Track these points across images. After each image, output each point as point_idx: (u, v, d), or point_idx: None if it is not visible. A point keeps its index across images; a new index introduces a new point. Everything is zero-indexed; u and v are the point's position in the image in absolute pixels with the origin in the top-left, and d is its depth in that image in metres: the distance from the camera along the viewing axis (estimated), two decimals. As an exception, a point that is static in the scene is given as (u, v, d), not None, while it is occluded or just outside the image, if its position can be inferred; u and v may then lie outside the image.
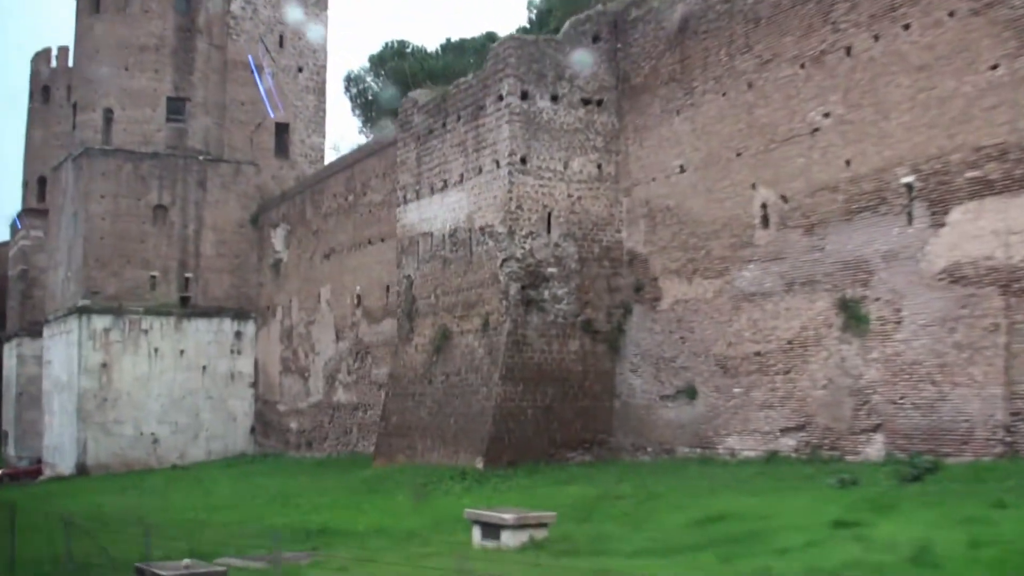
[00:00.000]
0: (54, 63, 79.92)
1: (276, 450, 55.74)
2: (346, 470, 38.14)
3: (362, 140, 76.62)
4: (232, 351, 59.80)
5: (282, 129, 62.49)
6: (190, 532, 22.37)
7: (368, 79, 68.69)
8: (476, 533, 18.81)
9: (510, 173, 30.68)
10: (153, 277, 58.30)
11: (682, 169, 29.75)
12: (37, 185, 79.03)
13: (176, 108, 60.22)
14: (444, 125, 34.30)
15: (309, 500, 29.91)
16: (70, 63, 79.14)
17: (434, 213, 34.54)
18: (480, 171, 32.08)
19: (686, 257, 29.44)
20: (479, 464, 29.47)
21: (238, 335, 59.97)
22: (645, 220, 31.22)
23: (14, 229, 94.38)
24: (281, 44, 62.81)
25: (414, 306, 35.31)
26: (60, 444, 59.15)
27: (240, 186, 60.52)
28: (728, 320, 27.99)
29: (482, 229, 31.83)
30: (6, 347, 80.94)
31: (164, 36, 59.79)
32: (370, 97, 68.23)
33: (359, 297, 47.24)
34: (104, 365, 56.86)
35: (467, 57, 64.74)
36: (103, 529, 22.00)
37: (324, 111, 64.01)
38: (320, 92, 63.74)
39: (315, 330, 52.18)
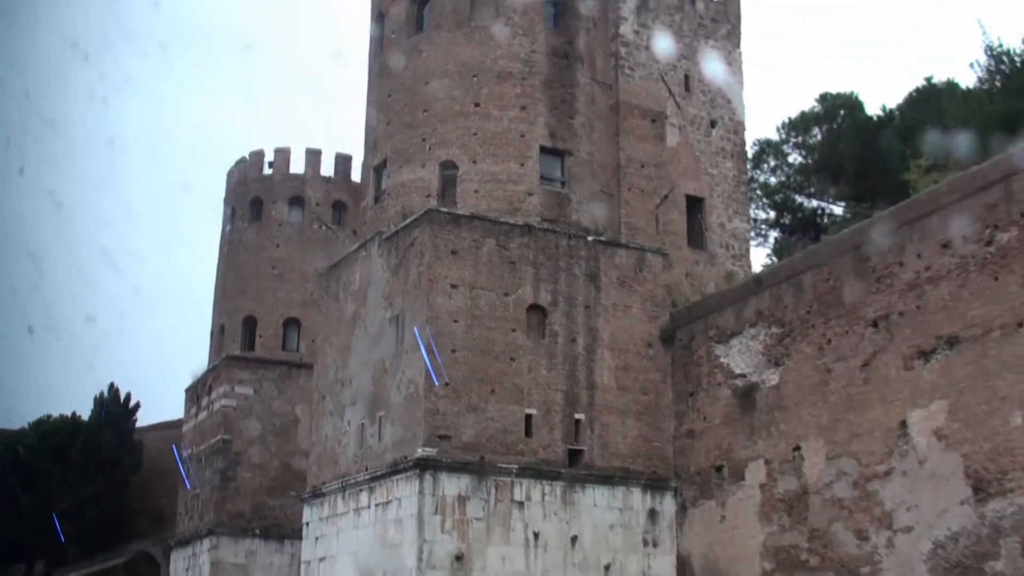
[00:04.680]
0: (267, 168, 59.85)
1: None
2: None
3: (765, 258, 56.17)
4: (645, 541, 36.84)
5: (694, 205, 41.38)
6: None
7: (785, 150, 47.86)
8: None
9: None
10: (529, 416, 35.97)
11: None
12: (242, 328, 57.60)
13: (551, 165, 39.39)
14: None
15: None
16: (290, 167, 59.75)
17: None
18: None
19: None
20: None
21: (652, 515, 37.12)
22: None
23: (101, 407, 72.96)
24: (687, 87, 42.42)
25: None
26: None
27: (645, 285, 38.89)
28: None
29: None
30: (177, 555, 57.85)
31: (533, 60, 39.49)
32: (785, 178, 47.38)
33: (1076, 409, 24.99)
34: (459, 558, 33.83)
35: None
36: None
37: (746, 184, 43.09)
38: (740, 158, 42.91)
39: (889, 489, 29.50)
